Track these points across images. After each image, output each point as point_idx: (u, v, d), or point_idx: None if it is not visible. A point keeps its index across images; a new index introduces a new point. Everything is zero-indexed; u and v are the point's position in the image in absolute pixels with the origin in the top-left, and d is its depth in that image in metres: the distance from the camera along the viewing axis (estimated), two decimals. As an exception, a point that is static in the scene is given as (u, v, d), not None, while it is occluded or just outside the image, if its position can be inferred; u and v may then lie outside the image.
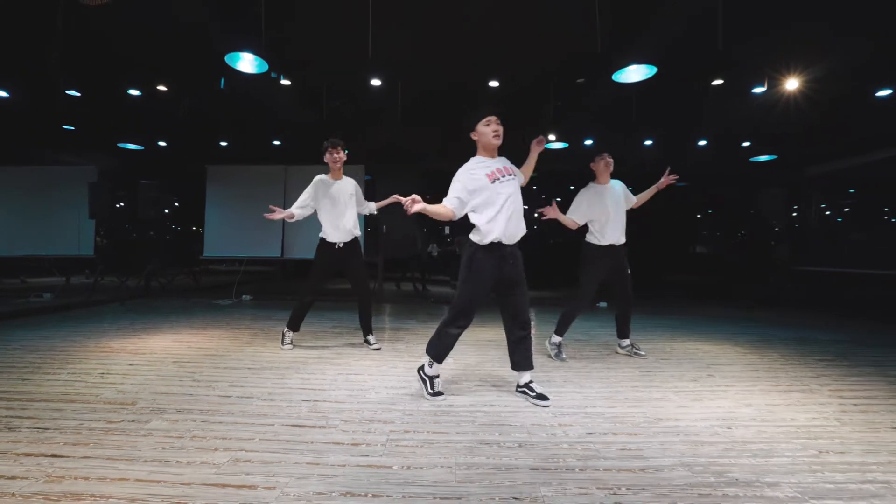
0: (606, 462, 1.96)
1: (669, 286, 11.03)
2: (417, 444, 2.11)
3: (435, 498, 1.66)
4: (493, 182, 2.59)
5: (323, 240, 3.84)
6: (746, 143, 6.95)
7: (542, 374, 3.26)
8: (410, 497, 1.67)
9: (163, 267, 8.30)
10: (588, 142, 6.88)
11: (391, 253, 8.16)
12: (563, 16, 4.18)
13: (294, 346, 3.99)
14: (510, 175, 2.67)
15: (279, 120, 6.78)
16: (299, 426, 2.28)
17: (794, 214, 9.20)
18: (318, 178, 3.78)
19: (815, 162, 7.99)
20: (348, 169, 7.38)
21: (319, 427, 2.27)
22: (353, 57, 4.74)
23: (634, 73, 3.93)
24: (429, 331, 5.01)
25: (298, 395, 2.74)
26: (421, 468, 1.88)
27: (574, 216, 3.64)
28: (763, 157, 7.00)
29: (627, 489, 1.74)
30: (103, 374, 3.09)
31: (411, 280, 8.62)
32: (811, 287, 8.33)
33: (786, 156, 7.32)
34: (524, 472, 1.85)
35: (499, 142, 2.64)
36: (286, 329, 3.98)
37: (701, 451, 2.07)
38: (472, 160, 2.69)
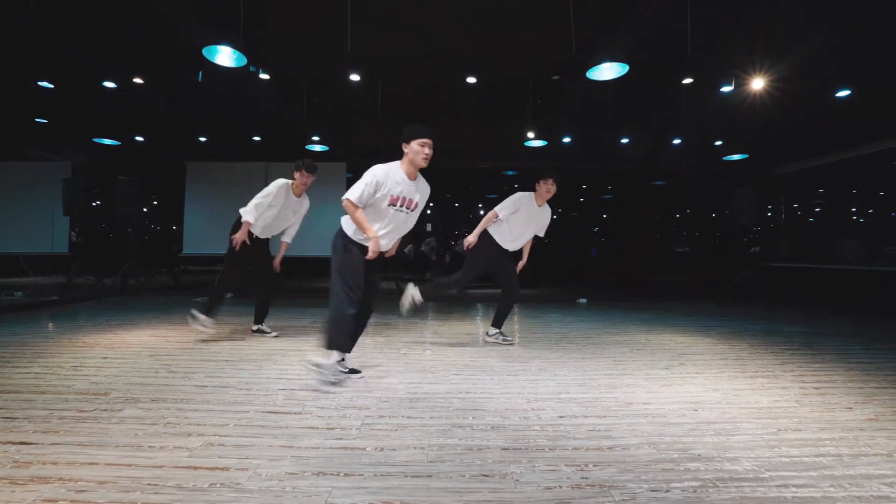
0: (576, 442, 2.01)
1: (648, 284, 11.26)
2: (391, 427, 2.14)
3: (406, 476, 1.70)
4: (391, 206, 2.69)
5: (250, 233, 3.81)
6: (718, 142, 7.16)
7: (517, 365, 3.32)
8: (382, 475, 1.70)
9: (141, 265, 8.15)
10: (566, 139, 7.00)
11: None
12: (539, 15, 4.27)
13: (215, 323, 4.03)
14: (408, 210, 2.77)
15: (259, 114, 6.72)
16: (274, 413, 2.29)
17: (770, 214, 9.49)
18: (283, 184, 3.79)
19: (785, 161, 8.26)
20: (331, 167, 7.54)
21: (295, 413, 2.28)
22: (331, 51, 4.74)
23: (608, 71, 4.03)
24: (410, 325, 5.05)
25: (275, 384, 2.74)
26: (394, 449, 1.91)
27: (502, 212, 3.75)
28: (735, 157, 7.21)
29: (594, 466, 1.80)
30: (76, 366, 3.04)
31: (394, 279, 8.65)
32: (781, 282, 8.59)
33: (756, 155, 7.54)
34: (495, 452, 1.90)
35: (425, 165, 2.72)
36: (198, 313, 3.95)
37: (667, 431, 2.15)
38: (393, 172, 2.70)
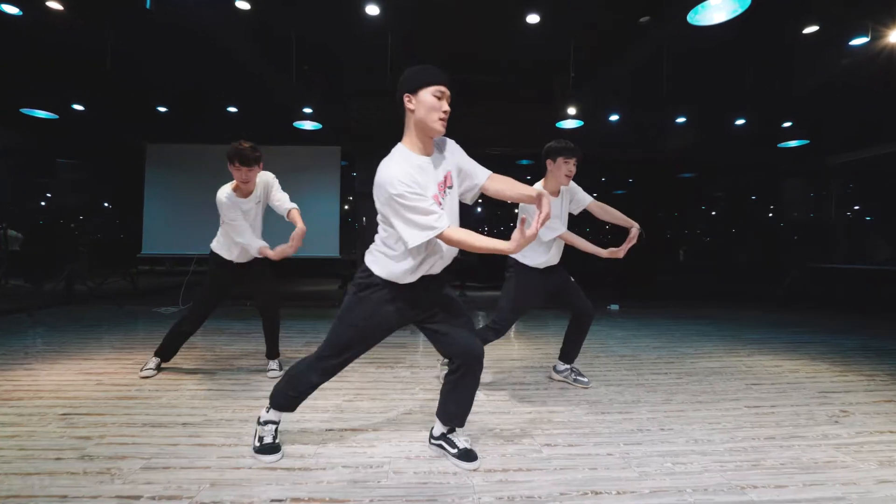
0: None
1: (661, 284, 10.41)
2: None
3: None
4: (441, 204, 1.64)
5: (216, 254, 2.89)
6: (787, 123, 6.18)
7: (623, 420, 2.26)
8: None
9: (90, 267, 6.81)
10: (613, 117, 5.88)
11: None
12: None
13: (157, 371, 2.92)
14: (449, 187, 1.70)
15: (235, 77, 5.32)
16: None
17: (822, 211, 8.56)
18: (225, 195, 2.71)
19: (843, 150, 7.32)
20: (321, 151, 6.28)
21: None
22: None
23: (717, 11, 2.97)
24: (419, 347, 3.91)
25: (264, 488, 1.60)
26: None
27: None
28: (792, 143, 6.27)
29: None
30: (-76, 448, 1.84)
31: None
32: (829, 286, 7.81)
33: (820, 141, 6.59)
34: None
35: (442, 130, 1.62)
36: (153, 356, 2.95)
37: None
38: (405, 159, 1.60)
